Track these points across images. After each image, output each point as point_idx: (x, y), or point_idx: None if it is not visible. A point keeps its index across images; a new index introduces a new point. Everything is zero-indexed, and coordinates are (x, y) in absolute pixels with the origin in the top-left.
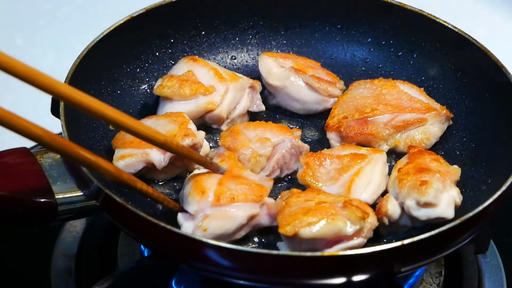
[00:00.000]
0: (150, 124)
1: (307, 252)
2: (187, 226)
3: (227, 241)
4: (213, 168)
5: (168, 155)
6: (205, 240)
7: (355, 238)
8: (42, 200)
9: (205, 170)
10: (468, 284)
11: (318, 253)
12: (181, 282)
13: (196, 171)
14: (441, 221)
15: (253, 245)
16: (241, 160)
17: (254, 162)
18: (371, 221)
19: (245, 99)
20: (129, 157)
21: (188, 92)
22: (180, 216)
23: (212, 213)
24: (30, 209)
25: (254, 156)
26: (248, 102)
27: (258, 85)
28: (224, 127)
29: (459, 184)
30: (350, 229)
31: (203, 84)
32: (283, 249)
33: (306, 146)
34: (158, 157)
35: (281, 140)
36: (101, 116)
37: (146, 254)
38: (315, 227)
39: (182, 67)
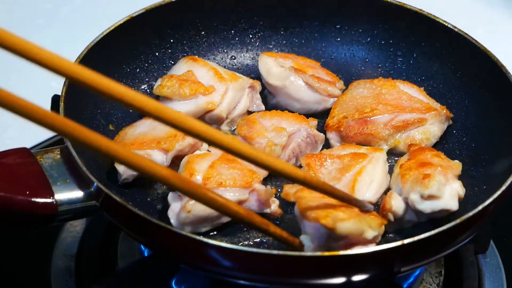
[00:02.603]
0: (148, 125)
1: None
2: (174, 206)
3: (213, 224)
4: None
5: (170, 154)
6: (205, 240)
7: (370, 243)
8: (42, 200)
9: (202, 152)
10: (468, 284)
11: (318, 253)
12: (181, 282)
13: (197, 152)
14: (445, 214)
15: (253, 245)
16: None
17: (269, 151)
18: (383, 228)
19: (244, 99)
20: None
21: (188, 92)
22: (170, 196)
23: None
24: (30, 209)
25: (269, 145)
26: (248, 102)
27: (258, 85)
28: (224, 127)
29: None
30: (370, 234)
31: (203, 84)
32: (307, 243)
33: (322, 135)
34: (160, 157)
35: (296, 129)
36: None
37: (146, 254)
38: (349, 223)
39: (182, 67)
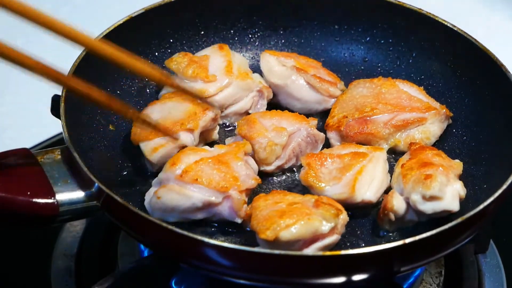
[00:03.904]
0: (158, 110)
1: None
2: (152, 190)
3: (181, 217)
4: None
5: (196, 133)
6: (205, 240)
7: (330, 235)
8: (43, 201)
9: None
10: (468, 284)
11: (319, 253)
12: (181, 282)
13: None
14: (446, 215)
15: (253, 244)
16: (256, 149)
17: (270, 151)
18: (343, 217)
19: (246, 100)
20: (162, 147)
21: (190, 73)
22: (154, 180)
23: (170, 185)
24: (31, 210)
25: (269, 145)
26: (249, 104)
27: (266, 92)
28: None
29: None
30: (325, 227)
31: (209, 71)
32: None
33: (322, 135)
34: (189, 138)
35: (297, 129)
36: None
37: (146, 254)
38: (294, 229)
39: (207, 51)
